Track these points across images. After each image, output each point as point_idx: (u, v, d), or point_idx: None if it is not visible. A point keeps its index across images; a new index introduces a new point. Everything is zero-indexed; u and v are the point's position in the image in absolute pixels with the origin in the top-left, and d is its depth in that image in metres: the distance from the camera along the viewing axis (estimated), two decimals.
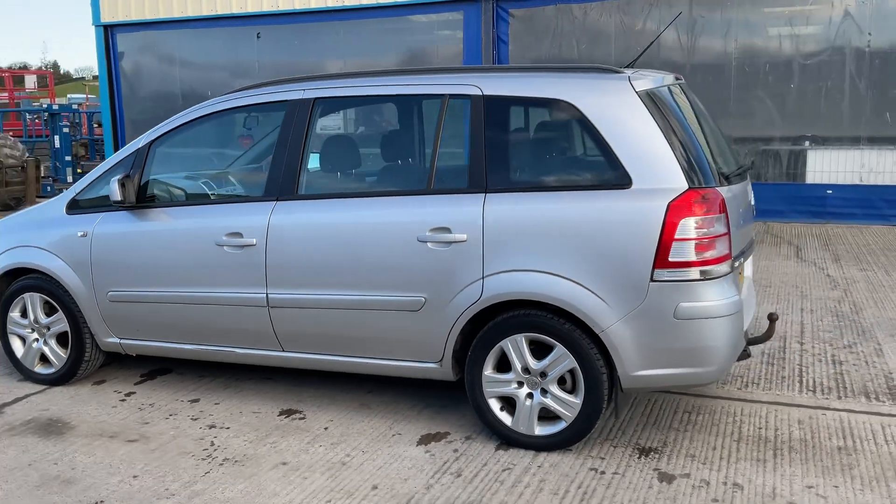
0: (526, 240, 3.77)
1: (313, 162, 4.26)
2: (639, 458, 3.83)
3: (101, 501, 3.52)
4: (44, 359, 4.97)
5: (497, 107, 3.92)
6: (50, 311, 4.88)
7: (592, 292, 3.66)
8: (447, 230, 3.87)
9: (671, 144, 3.64)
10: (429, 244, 3.90)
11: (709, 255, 3.60)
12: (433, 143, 4.01)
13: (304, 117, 4.25)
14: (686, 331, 3.61)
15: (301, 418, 4.37)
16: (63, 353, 4.90)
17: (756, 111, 10.66)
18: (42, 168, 15.27)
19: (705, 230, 3.58)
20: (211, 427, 4.29)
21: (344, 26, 12.66)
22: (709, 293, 3.61)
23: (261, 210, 4.25)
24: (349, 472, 3.73)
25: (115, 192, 4.39)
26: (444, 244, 3.87)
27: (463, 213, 3.86)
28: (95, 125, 19.04)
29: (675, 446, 3.94)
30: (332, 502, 3.47)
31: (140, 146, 4.61)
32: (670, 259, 3.57)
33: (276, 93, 4.38)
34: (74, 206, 4.78)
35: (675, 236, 3.56)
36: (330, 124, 4.48)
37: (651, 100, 3.74)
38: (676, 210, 3.56)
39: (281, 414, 4.44)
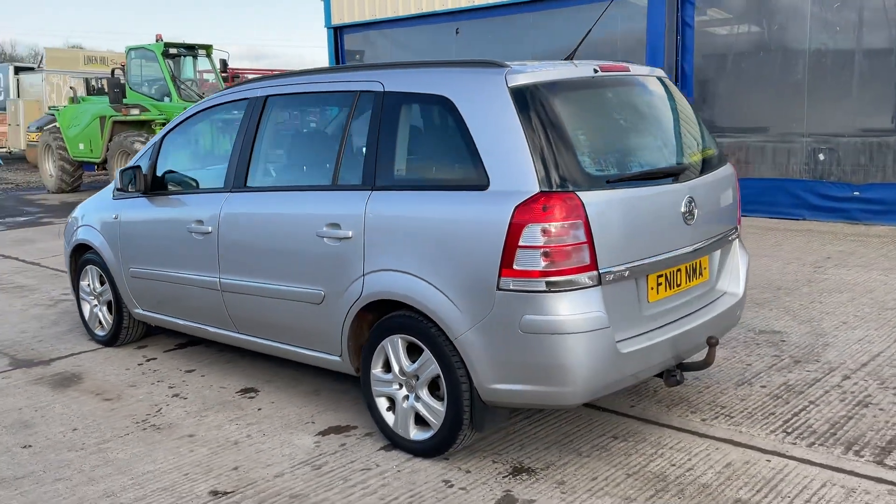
0: (395, 239, 3.69)
1: (258, 156, 4.49)
2: (504, 476, 3.58)
3: (29, 445, 4.10)
4: (101, 322, 5.78)
5: (391, 103, 3.85)
6: (102, 281, 5.66)
7: (448, 298, 3.49)
8: (338, 226, 3.90)
9: (534, 145, 3.33)
10: (325, 239, 3.96)
11: (561, 265, 3.25)
12: (340, 140, 4.05)
13: (257, 114, 4.50)
14: (534, 346, 3.31)
15: (251, 398, 4.66)
16: (110, 319, 5.66)
17: None
18: None
19: (556, 238, 3.24)
20: (174, 396, 4.73)
21: (534, 17, 12.63)
22: (559, 307, 3.26)
23: (217, 201, 4.58)
24: (230, 452, 3.94)
25: (116, 180, 5.00)
26: (336, 240, 3.91)
27: (351, 210, 3.86)
28: None
29: (555, 470, 3.61)
30: (187, 475, 3.71)
31: (155, 140, 5.18)
32: (515, 267, 3.29)
33: (242, 91, 4.68)
34: (117, 191, 5.49)
35: (520, 243, 3.27)
36: (287, 121, 4.66)
37: (530, 96, 3.43)
38: (521, 214, 3.27)
39: (238, 391, 4.75)
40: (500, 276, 3.32)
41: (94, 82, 18.71)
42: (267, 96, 4.49)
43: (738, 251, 4.28)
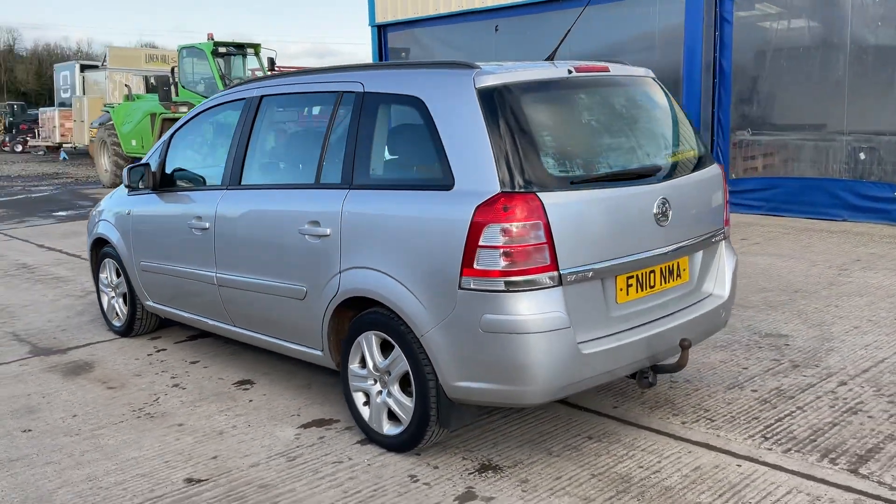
0: (368, 238, 3.76)
1: (251, 154, 4.61)
2: (470, 473, 3.62)
3: (29, 430, 4.30)
4: (117, 314, 6.00)
5: (370, 103, 3.92)
6: (118, 274, 5.88)
7: (415, 296, 3.54)
8: (318, 224, 3.99)
9: (497, 145, 3.36)
10: (306, 237, 4.05)
11: (521, 265, 3.28)
12: (323, 140, 4.13)
13: (252, 113, 4.62)
14: (494, 345, 3.33)
15: (245, 389, 4.79)
16: (126, 311, 5.87)
17: None
18: None
19: (515, 238, 3.26)
20: (174, 386, 4.89)
21: (573, 14, 12.54)
22: (518, 306, 3.29)
23: (215, 198, 4.72)
24: (213, 441, 4.07)
25: (124, 177, 5.19)
26: (316, 237, 4.00)
27: (329, 208, 3.94)
28: None
29: (521, 469, 3.63)
30: (167, 462, 3.85)
31: (165, 138, 5.35)
32: (476, 266, 3.32)
33: (241, 91, 4.80)
34: (128, 187, 5.68)
35: (480, 243, 3.30)
36: (278, 120, 4.76)
37: (497, 98, 3.45)
38: (482, 214, 3.30)
39: (235, 383, 4.89)
40: (461, 275, 3.36)
41: (153, 80, 19.28)
42: (261, 96, 4.61)
43: (725, 253, 4.23)
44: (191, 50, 16.39)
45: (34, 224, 12.27)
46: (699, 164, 4.10)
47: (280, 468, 3.75)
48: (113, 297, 5.99)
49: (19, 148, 33.37)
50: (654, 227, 3.68)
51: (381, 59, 15.90)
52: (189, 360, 5.38)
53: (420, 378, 3.61)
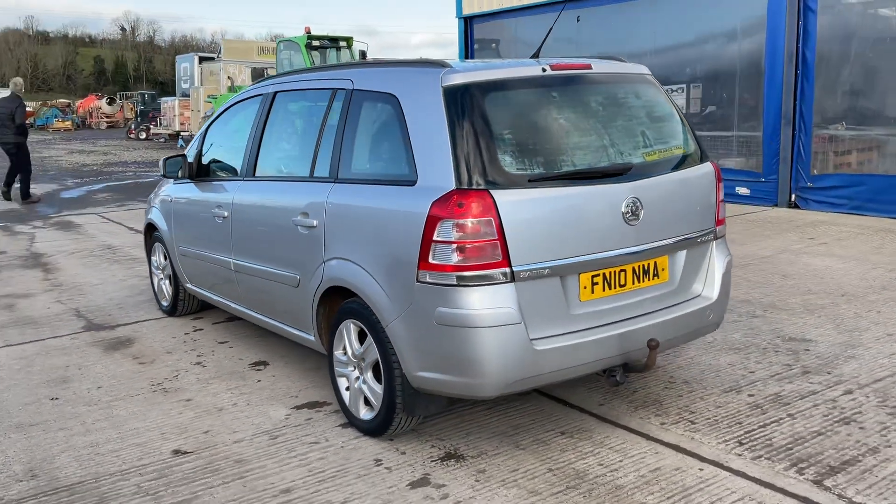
0: (346, 230, 3.92)
1: (264, 147, 4.85)
2: (433, 460, 3.73)
3: (57, 398, 4.70)
4: (165, 294, 6.41)
5: (356, 100, 4.07)
6: (165, 257, 6.28)
7: (382, 288, 3.68)
8: (307, 215, 4.18)
9: (457, 143, 3.44)
10: (298, 227, 4.25)
11: (472, 260, 3.35)
12: (318, 135, 4.31)
13: (266, 108, 4.86)
14: (448, 337, 3.43)
15: (258, 370, 5.05)
16: (171, 291, 6.27)
17: None
18: None
19: (468, 234, 3.34)
20: (196, 364, 5.22)
21: (652, 5, 12.29)
22: (470, 300, 3.37)
23: (234, 188, 5.00)
24: (210, 417, 4.34)
25: (160, 166, 5.55)
26: (305, 228, 4.19)
27: (317, 199, 4.13)
28: None
29: (484, 459, 3.71)
30: (164, 434, 4.14)
31: (202, 130, 5.68)
32: (431, 261, 3.42)
33: (260, 87, 5.05)
34: (167, 177, 6.03)
35: (434, 238, 3.40)
36: (286, 115, 4.96)
37: (460, 96, 3.52)
38: (436, 210, 3.40)
39: (252, 363, 5.17)
40: (418, 269, 3.47)
41: (262, 72, 20.12)
42: (275, 93, 4.84)
43: (715, 253, 4.14)
44: (287, 43, 17.01)
45: (132, 208, 13.10)
46: (686, 162, 4.03)
47: (260, 445, 3.97)
48: (161, 278, 6.41)
49: (143, 135, 35.45)
50: (623, 226, 3.67)
51: (466, 50, 16.02)
52: (219, 340, 5.70)
53: (388, 367, 3.74)
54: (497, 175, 3.43)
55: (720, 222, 4.18)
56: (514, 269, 3.39)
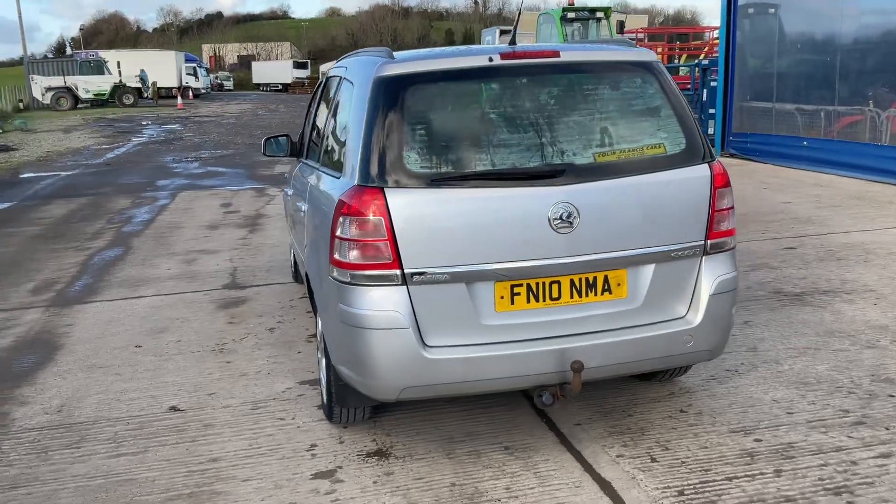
0: (307, 217, 4.03)
1: (311, 131, 5.05)
2: (358, 454, 3.73)
3: (140, 346, 5.38)
4: (294, 263, 6.96)
5: (344, 88, 4.10)
6: None
7: (318, 276, 3.74)
8: (303, 200, 4.35)
9: (369, 137, 3.35)
10: (300, 212, 4.43)
11: (362, 259, 3.29)
12: (324, 122, 4.42)
13: (321, 92, 5.07)
14: (346, 334, 3.41)
15: (308, 342, 5.31)
16: (292, 260, 6.80)
17: None
18: None
19: (358, 232, 3.28)
20: (269, 329, 5.62)
21: None
22: (360, 300, 3.31)
23: (308, 171, 5.25)
24: (227, 381, 4.68)
25: (262, 146, 6.00)
26: (301, 213, 4.38)
27: (308, 185, 4.29)
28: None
29: (405, 462, 3.63)
30: (178, 391, 4.58)
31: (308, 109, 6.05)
32: (335, 256, 3.41)
33: (336, 69, 5.21)
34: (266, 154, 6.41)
35: (336, 233, 3.38)
36: (330, 101, 5.05)
37: (384, 88, 3.39)
38: (339, 206, 3.37)
39: (310, 336, 5.44)
40: (329, 263, 3.47)
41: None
42: (328, 77, 5.01)
43: (705, 271, 3.54)
44: (545, 16, 17.00)
45: None
46: (661, 163, 3.48)
47: (237, 413, 4.24)
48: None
49: None
50: (551, 233, 3.30)
51: (728, 16, 14.71)
52: (308, 308, 6.07)
53: (326, 357, 3.80)
54: (398, 174, 3.29)
55: (717, 235, 3.56)
56: (405, 271, 3.25)
